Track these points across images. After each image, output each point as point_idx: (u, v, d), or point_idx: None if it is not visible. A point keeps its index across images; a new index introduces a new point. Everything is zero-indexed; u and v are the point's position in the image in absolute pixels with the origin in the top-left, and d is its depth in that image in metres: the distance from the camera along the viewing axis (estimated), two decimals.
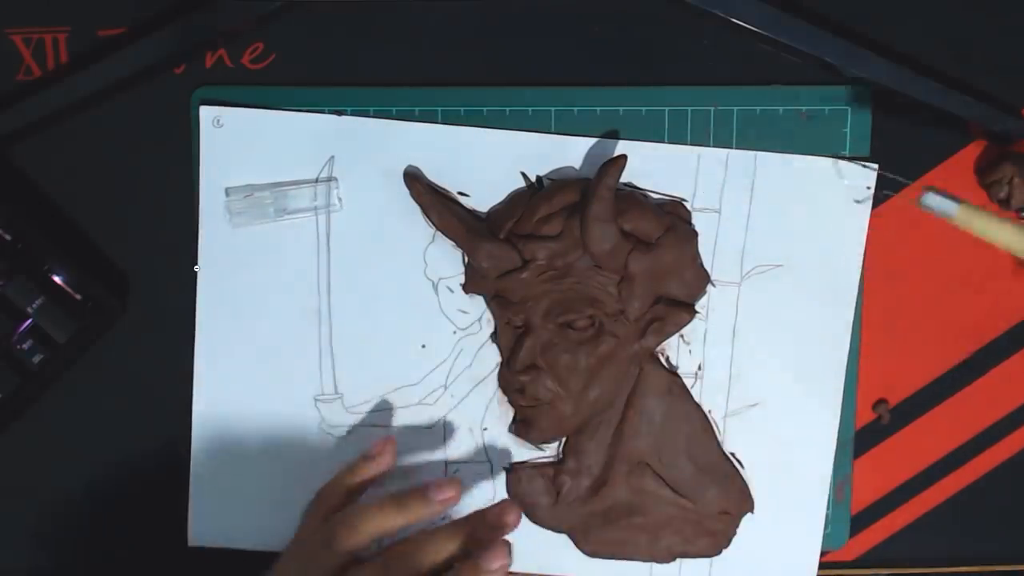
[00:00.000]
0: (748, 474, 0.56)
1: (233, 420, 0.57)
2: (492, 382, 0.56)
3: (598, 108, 0.55)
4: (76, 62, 0.56)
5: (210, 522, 0.57)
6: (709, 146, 0.55)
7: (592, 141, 0.55)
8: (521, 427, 0.56)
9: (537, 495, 0.56)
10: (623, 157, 0.53)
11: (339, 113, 0.56)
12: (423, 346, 0.56)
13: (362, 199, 0.56)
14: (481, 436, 0.57)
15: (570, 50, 0.56)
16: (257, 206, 0.56)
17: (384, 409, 0.57)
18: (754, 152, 0.55)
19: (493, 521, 0.51)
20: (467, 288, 0.56)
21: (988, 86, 0.55)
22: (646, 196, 0.55)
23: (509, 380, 0.55)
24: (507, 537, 0.50)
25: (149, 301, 0.57)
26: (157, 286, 0.57)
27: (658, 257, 0.54)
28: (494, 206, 0.56)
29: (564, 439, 0.56)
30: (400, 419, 0.57)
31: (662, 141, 0.55)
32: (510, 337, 0.55)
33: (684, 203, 0.55)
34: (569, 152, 0.56)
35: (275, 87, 0.56)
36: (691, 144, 0.55)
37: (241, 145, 0.56)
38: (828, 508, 0.57)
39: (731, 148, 0.55)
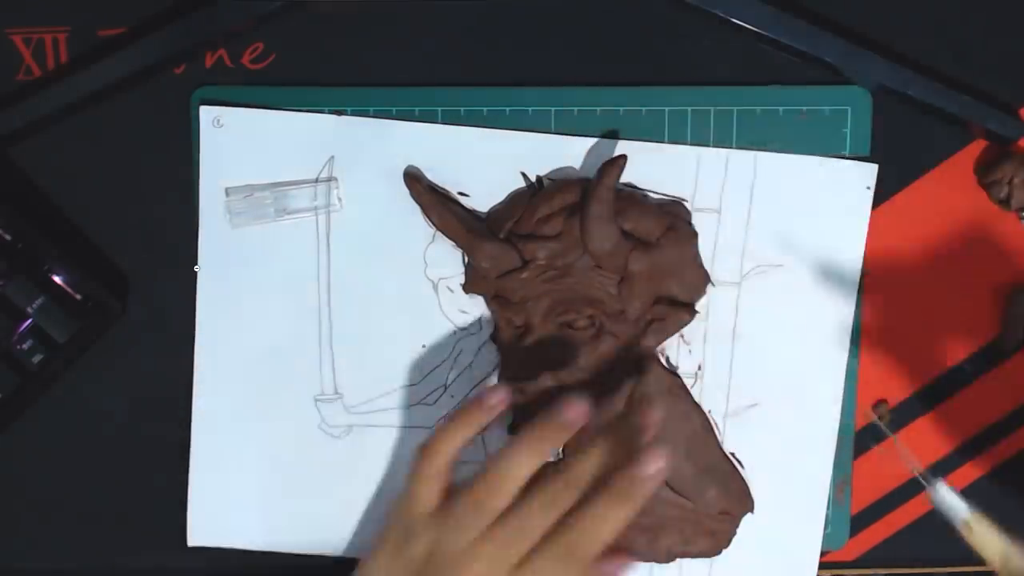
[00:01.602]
0: (748, 474, 0.56)
1: (233, 420, 0.57)
2: (492, 382, 0.56)
3: (598, 108, 0.55)
4: (76, 62, 0.56)
5: (210, 522, 0.57)
6: (709, 146, 0.55)
7: (592, 141, 0.55)
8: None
9: None
10: (623, 157, 0.53)
11: (339, 113, 0.56)
12: (423, 346, 0.56)
13: (362, 199, 0.56)
14: (481, 436, 0.57)
15: (570, 50, 0.56)
16: (257, 206, 0.56)
17: (384, 409, 0.57)
18: (754, 152, 0.55)
19: (642, 423, 0.49)
20: (467, 288, 0.56)
21: (988, 86, 0.55)
22: (646, 196, 0.55)
23: (509, 380, 0.55)
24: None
25: (149, 301, 0.57)
26: (157, 286, 0.57)
27: (658, 257, 0.54)
28: (494, 206, 0.56)
29: None
30: (400, 419, 0.57)
31: (662, 141, 0.55)
32: (510, 337, 0.55)
33: (684, 203, 0.55)
34: (569, 152, 0.56)
35: (275, 87, 0.56)
36: (691, 144, 0.55)
37: (241, 145, 0.56)
38: (828, 508, 0.57)
39: (731, 148, 0.55)
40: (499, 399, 0.50)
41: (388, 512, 0.50)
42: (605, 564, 0.48)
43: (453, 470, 0.49)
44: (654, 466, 0.47)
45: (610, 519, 0.46)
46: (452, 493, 0.49)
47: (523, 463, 0.48)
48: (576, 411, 0.48)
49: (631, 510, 0.47)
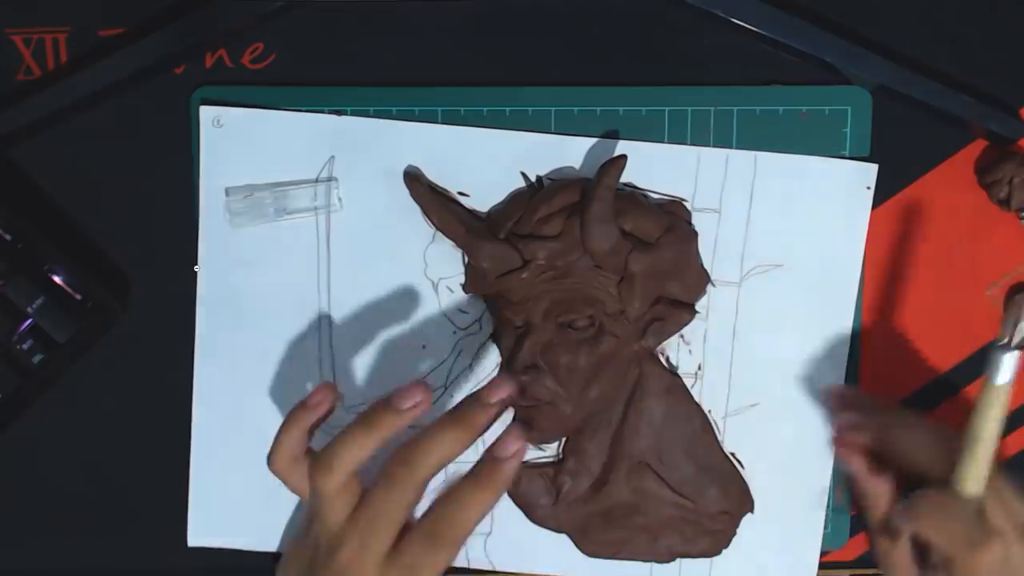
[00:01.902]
0: (748, 474, 0.56)
1: (233, 420, 0.57)
2: None
3: (598, 108, 0.56)
4: (76, 62, 0.56)
5: (210, 522, 0.57)
6: (709, 146, 0.56)
7: (592, 141, 0.55)
8: (521, 427, 0.56)
9: (537, 495, 0.56)
10: (623, 157, 0.53)
11: (339, 113, 0.56)
12: (423, 346, 0.57)
13: (362, 199, 0.56)
14: (482, 436, 0.57)
15: (570, 50, 0.56)
16: (257, 206, 0.56)
17: None
18: (754, 152, 0.55)
19: (487, 399, 0.48)
20: (467, 288, 0.56)
21: (988, 86, 0.55)
22: (646, 196, 0.56)
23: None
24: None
25: (149, 301, 0.57)
26: (157, 286, 0.57)
27: (658, 257, 0.54)
28: (494, 206, 0.56)
29: (564, 439, 0.56)
30: None
31: (662, 141, 0.56)
32: (510, 337, 0.55)
33: (684, 203, 0.55)
34: (569, 152, 0.56)
35: (275, 87, 0.56)
36: (691, 144, 0.55)
37: (241, 145, 0.56)
38: (828, 508, 0.57)
39: (731, 148, 0.56)
40: (324, 397, 0.49)
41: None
42: None
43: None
44: (513, 447, 0.47)
45: (471, 503, 0.46)
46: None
47: (352, 446, 0.47)
48: (410, 400, 0.47)
49: (493, 493, 0.47)
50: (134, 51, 0.55)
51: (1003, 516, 0.48)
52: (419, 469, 0.47)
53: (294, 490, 0.51)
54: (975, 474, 0.48)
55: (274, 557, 0.57)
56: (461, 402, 0.48)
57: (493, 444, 0.47)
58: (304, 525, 0.50)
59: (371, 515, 0.47)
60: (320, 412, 0.50)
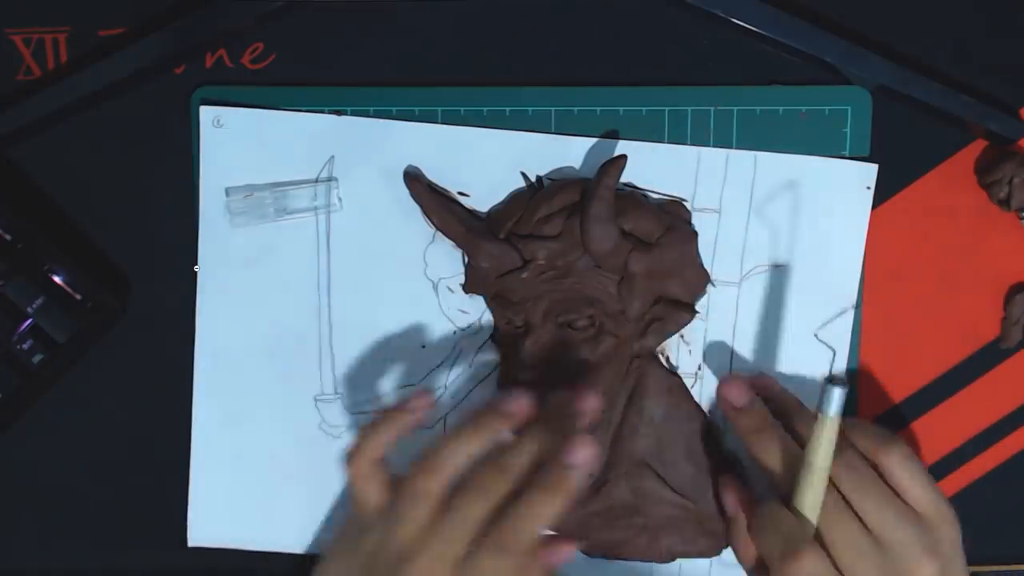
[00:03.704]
0: (748, 474, 0.56)
1: (233, 420, 0.57)
2: (492, 382, 0.56)
3: (598, 108, 0.56)
4: (76, 62, 0.56)
5: (210, 522, 0.57)
6: (709, 146, 0.56)
7: (592, 141, 0.55)
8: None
9: None
10: (623, 157, 0.53)
11: (339, 113, 0.56)
12: (423, 346, 0.57)
13: (362, 199, 0.56)
14: None
15: (570, 50, 0.56)
16: (257, 206, 0.56)
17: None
18: (754, 152, 0.55)
19: (577, 408, 0.49)
20: (467, 288, 0.56)
21: (988, 86, 0.55)
22: (646, 196, 0.56)
23: (509, 380, 0.55)
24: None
25: (149, 301, 0.57)
26: (157, 286, 0.57)
27: (658, 257, 0.54)
28: (494, 206, 0.56)
29: None
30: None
31: (662, 141, 0.56)
32: (510, 337, 0.55)
33: (684, 203, 0.55)
34: (569, 152, 0.56)
35: (275, 87, 0.56)
36: (691, 144, 0.55)
37: (241, 145, 0.56)
38: None
39: (731, 148, 0.56)
40: (423, 403, 0.50)
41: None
42: (545, 551, 0.48)
43: (386, 467, 0.49)
44: (581, 454, 0.47)
45: (539, 510, 0.46)
46: (394, 487, 0.48)
47: (457, 450, 0.47)
48: (517, 405, 0.48)
49: (561, 500, 0.46)
50: (134, 51, 0.55)
51: (836, 533, 0.48)
52: (504, 475, 0.47)
53: (359, 495, 0.49)
54: (809, 498, 0.48)
55: (269, 557, 0.57)
56: (560, 415, 0.49)
57: (562, 451, 0.47)
58: (351, 530, 0.49)
59: (452, 523, 0.46)
60: (413, 419, 0.50)
